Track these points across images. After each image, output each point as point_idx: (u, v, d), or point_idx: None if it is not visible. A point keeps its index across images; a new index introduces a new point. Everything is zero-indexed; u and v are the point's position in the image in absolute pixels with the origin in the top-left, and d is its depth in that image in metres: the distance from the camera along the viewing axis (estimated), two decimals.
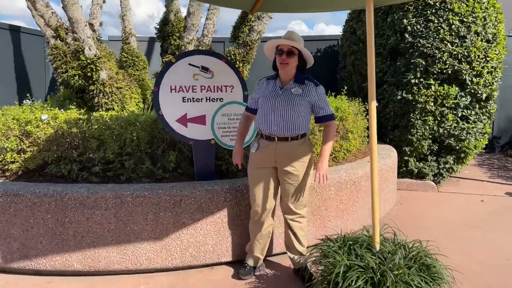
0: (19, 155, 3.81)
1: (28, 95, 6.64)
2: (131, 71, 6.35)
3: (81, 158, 3.77)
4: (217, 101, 3.87)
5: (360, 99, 5.96)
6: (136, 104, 5.29)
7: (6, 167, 3.77)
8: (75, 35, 4.51)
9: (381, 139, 6.70)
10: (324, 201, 3.97)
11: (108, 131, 3.85)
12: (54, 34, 4.97)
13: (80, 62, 4.63)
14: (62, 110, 4.45)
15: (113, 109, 4.88)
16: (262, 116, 3.01)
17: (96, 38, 6.44)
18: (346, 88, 8.00)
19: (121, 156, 3.81)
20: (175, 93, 3.76)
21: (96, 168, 3.70)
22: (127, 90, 5.12)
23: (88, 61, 4.63)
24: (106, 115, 4.39)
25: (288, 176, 3.03)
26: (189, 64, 3.80)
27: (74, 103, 5.23)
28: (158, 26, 5.94)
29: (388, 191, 5.07)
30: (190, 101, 3.80)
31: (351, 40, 7.79)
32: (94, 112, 4.47)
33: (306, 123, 3.02)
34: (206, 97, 3.85)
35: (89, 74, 4.69)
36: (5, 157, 3.73)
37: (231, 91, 3.92)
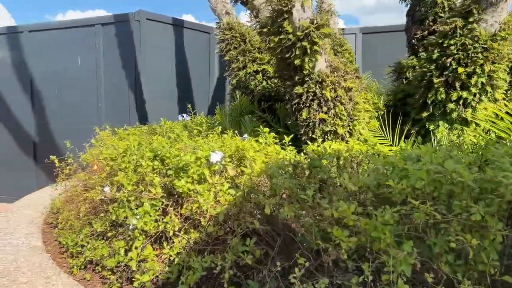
0: (158, 247, 1.56)
1: (189, 106, 4.83)
2: None
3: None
4: None
5: None
6: (367, 122, 2.68)
7: (130, 271, 1.56)
8: None
9: None
10: None
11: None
12: None
13: (282, 37, 2.25)
14: (245, 136, 2.13)
15: (337, 134, 2.36)
16: None
17: None
18: None
19: None
20: None
21: None
22: (357, 94, 2.56)
23: (299, 33, 2.21)
24: (340, 146, 1.88)
25: None
26: None
27: (258, 119, 2.94)
28: None
29: None
30: None
31: None
32: (303, 144, 2.00)
33: None
34: None
35: (297, 61, 2.28)
36: (128, 254, 1.51)
37: None
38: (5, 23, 11.17)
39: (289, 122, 2.59)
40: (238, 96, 3.14)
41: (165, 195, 1.66)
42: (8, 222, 2.71)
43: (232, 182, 1.63)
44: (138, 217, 1.59)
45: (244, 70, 3.38)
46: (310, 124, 2.42)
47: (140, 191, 1.68)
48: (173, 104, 6.30)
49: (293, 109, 2.47)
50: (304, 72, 2.31)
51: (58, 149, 6.23)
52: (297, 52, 2.25)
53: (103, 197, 1.82)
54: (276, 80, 3.33)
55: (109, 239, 1.93)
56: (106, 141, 3.45)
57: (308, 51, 2.24)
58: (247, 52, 3.38)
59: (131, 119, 5.80)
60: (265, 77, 3.36)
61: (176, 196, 1.67)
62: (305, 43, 2.22)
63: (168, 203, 1.66)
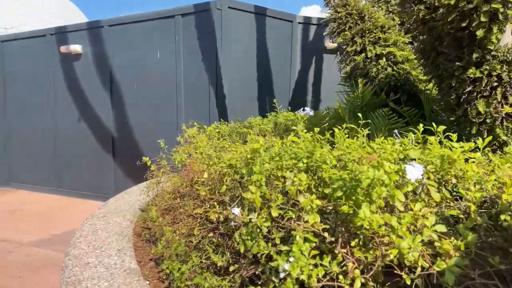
0: None
1: (275, 101, 4.33)
2: None
3: None
4: None
5: None
6: None
7: None
8: None
9: None
10: None
11: None
12: None
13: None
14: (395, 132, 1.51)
15: None
16: None
17: None
18: None
19: None
20: None
21: None
22: None
23: None
24: None
25: None
26: None
27: (389, 114, 2.31)
28: None
29: None
30: None
31: None
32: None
33: None
34: None
35: (479, 32, 1.62)
36: None
37: None
38: (69, 14, 11.61)
39: (452, 118, 1.92)
40: (360, 85, 2.51)
41: (326, 227, 1.10)
42: (97, 233, 2.35)
43: (438, 211, 1.03)
44: (291, 259, 1.05)
45: (363, 54, 2.74)
46: (488, 121, 1.73)
47: (288, 217, 1.14)
48: (253, 98, 5.83)
49: (461, 100, 1.80)
50: (488, 47, 1.63)
51: (136, 145, 6.06)
52: (482, 19, 1.58)
53: (232, 223, 1.30)
54: (404, 66, 2.66)
55: (231, 275, 1.42)
56: (198, 141, 3.03)
57: (500, 16, 1.56)
58: (367, 32, 2.74)
59: (211, 116, 5.42)
60: (389, 62, 2.71)
61: (344, 230, 1.10)
62: (496, 5, 1.54)
63: (331, 239, 1.10)
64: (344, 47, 2.85)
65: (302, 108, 1.97)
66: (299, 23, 6.24)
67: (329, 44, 6.32)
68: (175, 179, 2.36)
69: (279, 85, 6.13)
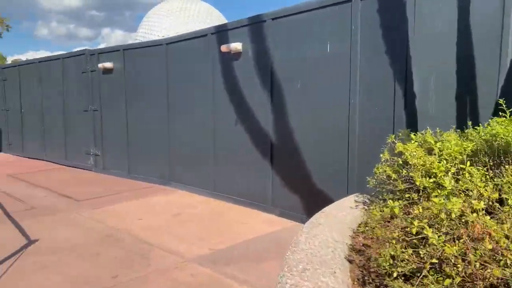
0: None
1: (501, 101, 3.01)
2: None
3: None
4: None
5: None
6: None
7: None
8: None
9: None
10: None
11: None
12: None
13: None
14: None
15: None
16: None
17: None
18: None
19: None
20: None
21: None
22: None
23: None
24: None
25: None
26: None
27: None
28: None
29: None
30: None
31: None
32: None
33: None
34: None
35: None
36: None
37: None
38: (216, 22, 11.94)
39: None
40: None
41: None
42: None
43: None
44: None
45: None
46: None
47: None
48: (449, 98, 4.50)
49: None
50: None
51: (297, 152, 5.35)
52: None
53: None
54: None
55: None
56: (433, 168, 2.03)
57: None
58: None
59: (395, 121, 4.34)
60: None
61: None
62: None
63: None
64: None
65: None
66: None
67: None
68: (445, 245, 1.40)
69: (483, 81, 4.64)
